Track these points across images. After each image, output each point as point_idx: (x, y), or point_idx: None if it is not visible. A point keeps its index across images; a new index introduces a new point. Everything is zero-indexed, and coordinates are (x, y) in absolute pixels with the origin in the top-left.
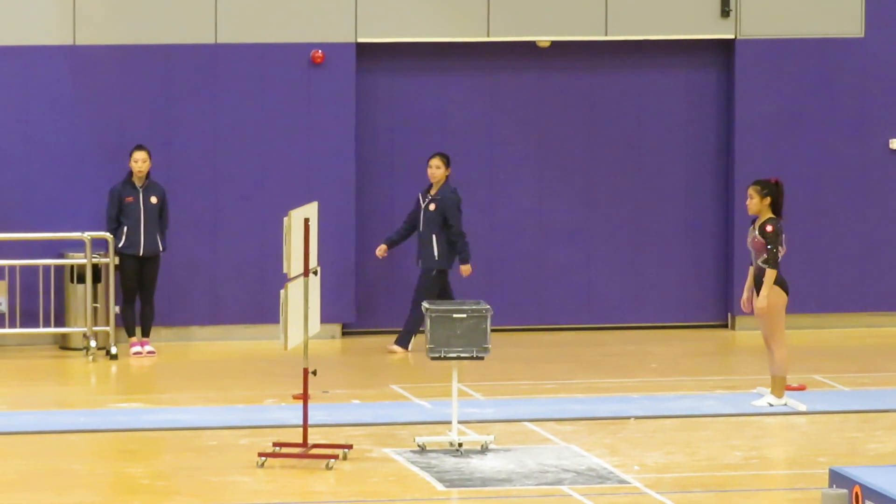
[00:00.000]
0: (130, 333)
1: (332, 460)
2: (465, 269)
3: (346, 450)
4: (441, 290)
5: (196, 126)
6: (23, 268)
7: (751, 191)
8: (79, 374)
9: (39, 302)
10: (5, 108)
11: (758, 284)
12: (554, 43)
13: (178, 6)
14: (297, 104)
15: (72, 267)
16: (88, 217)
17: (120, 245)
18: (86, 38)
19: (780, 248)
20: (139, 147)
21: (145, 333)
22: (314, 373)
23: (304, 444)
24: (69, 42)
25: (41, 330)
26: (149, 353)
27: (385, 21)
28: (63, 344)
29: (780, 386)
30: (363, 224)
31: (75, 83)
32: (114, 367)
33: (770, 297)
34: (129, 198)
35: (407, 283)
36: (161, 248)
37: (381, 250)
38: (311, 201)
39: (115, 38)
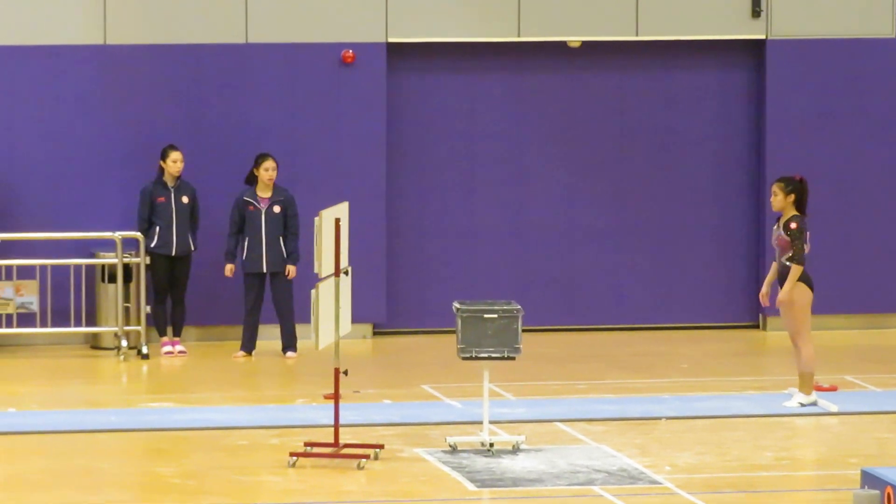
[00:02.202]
0: (161, 333)
1: (364, 460)
2: (295, 270)
3: (377, 450)
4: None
5: (226, 126)
6: (54, 267)
7: (775, 188)
8: (110, 373)
9: (70, 301)
10: (36, 107)
11: (781, 281)
12: (584, 43)
13: (208, 6)
14: (327, 104)
15: (103, 266)
16: (119, 216)
17: (152, 245)
18: (116, 37)
19: (804, 245)
20: (174, 147)
21: (176, 333)
22: (345, 373)
23: (336, 443)
24: (99, 42)
25: (72, 329)
26: (180, 352)
27: (416, 21)
28: (94, 343)
29: (808, 383)
30: (394, 224)
31: (105, 83)
32: (144, 366)
33: (795, 293)
34: (160, 198)
35: (439, 283)
36: (193, 248)
37: (229, 270)
38: (342, 201)
39: (146, 37)
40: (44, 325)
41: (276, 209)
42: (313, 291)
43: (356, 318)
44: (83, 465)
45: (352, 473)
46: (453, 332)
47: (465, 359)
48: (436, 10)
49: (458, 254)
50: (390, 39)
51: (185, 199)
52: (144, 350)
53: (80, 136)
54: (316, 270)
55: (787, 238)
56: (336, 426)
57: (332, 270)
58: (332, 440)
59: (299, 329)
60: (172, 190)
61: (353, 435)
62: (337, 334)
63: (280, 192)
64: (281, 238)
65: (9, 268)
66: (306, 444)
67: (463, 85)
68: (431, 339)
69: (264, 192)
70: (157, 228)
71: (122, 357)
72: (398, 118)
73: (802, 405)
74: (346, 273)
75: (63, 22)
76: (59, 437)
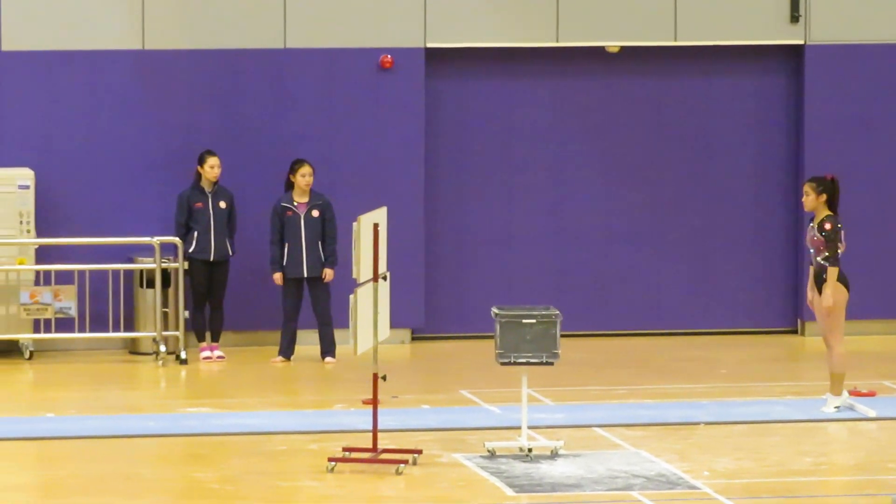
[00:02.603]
0: (200, 338)
1: (402, 465)
2: (332, 273)
3: (415, 455)
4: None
5: (264, 131)
6: (92, 272)
7: (806, 187)
8: (148, 378)
9: (109, 306)
10: (75, 112)
11: (818, 282)
12: (623, 48)
13: (247, 11)
14: (365, 109)
15: (141, 271)
16: (157, 221)
17: (190, 250)
18: (154, 42)
19: (839, 244)
20: (212, 152)
21: (215, 338)
22: (384, 378)
23: (374, 449)
24: (138, 47)
25: (110, 334)
26: (218, 357)
27: (454, 26)
28: (132, 348)
29: (838, 383)
30: (432, 229)
31: (144, 88)
32: (183, 371)
33: (833, 294)
34: (198, 203)
35: (477, 288)
36: (231, 253)
37: (279, 278)
38: (380, 206)
39: (184, 42)
40: (82, 330)
41: (315, 213)
42: (352, 297)
43: (394, 324)
44: (122, 470)
45: (390, 479)
46: (492, 337)
47: (503, 364)
48: (474, 15)
49: (496, 259)
50: (429, 45)
51: (222, 205)
52: (183, 355)
53: (118, 140)
54: (354, 276)
55: (823, 239)
56: (374, 431)
57: (371, 276)
58: (370, 445)
59: (338, 334)
60: (210, 195)
61: (391, 440)
62: (375, 339)
63: (317, 197)
64: (320, 242)
65: (47, 273)
66: (345, 450)
67: (501, 90)
68: (470, 345)
69: (301, 198)
70: (195, 234)
71: (160, 362)
72: (436, 123)
73: (837, 408)
74: (385, 278)
75: (102, 27)
76: (97, 443)
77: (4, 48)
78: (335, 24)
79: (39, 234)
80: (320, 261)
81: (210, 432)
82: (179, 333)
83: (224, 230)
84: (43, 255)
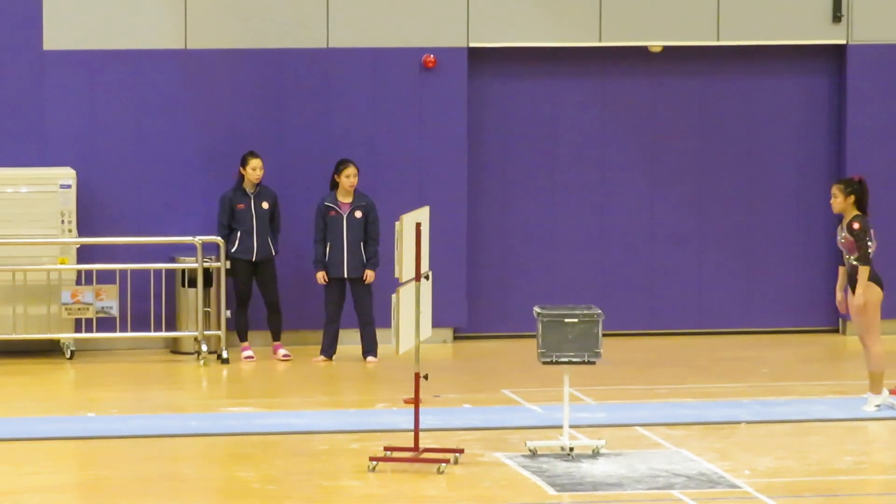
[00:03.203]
0: (242, 338)
1: (444, 464)
2: (373, 275)
3: (457, 454)
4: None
5: (307, 131)
6: (134, 271)
7: (835, 189)
8: (190, 378)
9: (151, 306)
10: (118, 111)
11: (852, 283)
12: (666, 48)
13: (289, 10)
14: (408, 109)
15: (183, 271)
16: (199, 221)
17: (233, 250)
18: (197, 42)
19: (869, 243)
20: (254, 154)
21: (276, 338)
22: (426, 377)
23: (416, 448)
24: (181, 46)
25: (152, 334)
26: (284, 357)
27: (497, 26)
28: (174, 348)
29: (878, 381)
30: (475, 228)
31: (187, 87)
32: (225, 371)
33: (866, 293)
34: (240, 205)
35: (519, 288)
36: (274, 252)
37: (322, 277)
38: (423, 206)
39: (227, 42)
40: (124, 329)
41: (358, 214)
42: (394, 296)
43: (437, 323)
44: (163, 470)
45: (432, 478)
46: (534, 336)
47: (545, 363)
48: (517, 14)
49: (539, 258)
50: (471, 44)
51: (265, 205)
52: (224, 355)
53: (160, 140)
54: (397, 275)
55: (853, 239)
56: (416, 430)
57: (413, 275)
58: (412, 444)
59: (380, 334)
60: (252, 196)
61: (433, 439)
62: (417, 339)
63: (361, 198)
64: (362, 243)
65: (89, 272)
66: (386, 449)
67: (544, 90)
68: (512, 344)
69: (345, 198)
70: (238, 234)
71: (202, 362)
72: (479, 123)
73: (878, 407)
74: (427, 277)
75: (144, 26)
76: (139, 443)
77: (46, 48)
78: (378, 24)
79: (81, 233)
80: (361, 262)
81: (252, 432)
82: (221, 333)
83: (266, 230)
84: (84, 254)
